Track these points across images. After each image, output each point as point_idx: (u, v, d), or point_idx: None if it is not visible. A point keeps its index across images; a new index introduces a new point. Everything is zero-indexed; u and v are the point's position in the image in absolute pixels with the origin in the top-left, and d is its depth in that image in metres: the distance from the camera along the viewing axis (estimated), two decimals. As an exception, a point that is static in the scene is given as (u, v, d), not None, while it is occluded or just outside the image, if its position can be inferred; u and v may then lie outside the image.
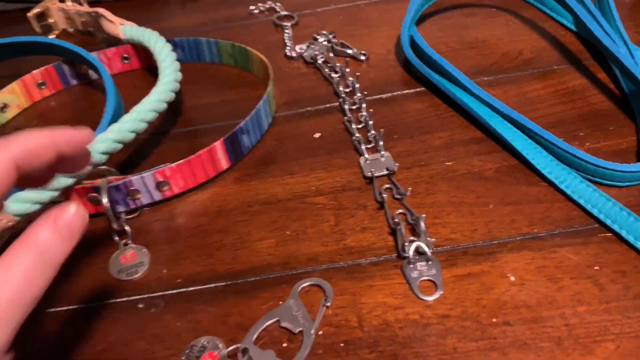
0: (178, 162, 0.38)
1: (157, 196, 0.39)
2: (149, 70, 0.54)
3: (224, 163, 0.41)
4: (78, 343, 0.32)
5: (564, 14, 0.52)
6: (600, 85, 0.44)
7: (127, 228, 0.37)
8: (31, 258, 0.21)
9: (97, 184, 0.37)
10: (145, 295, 0.34)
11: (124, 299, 0.34)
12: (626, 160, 0.37)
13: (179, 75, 0.45)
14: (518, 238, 0.34)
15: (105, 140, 0.37)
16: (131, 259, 0.36)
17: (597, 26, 0.44)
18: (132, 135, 0.39)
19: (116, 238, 0.37)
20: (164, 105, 0.42)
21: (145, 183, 0.37)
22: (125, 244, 0.37)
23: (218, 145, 0.39)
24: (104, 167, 0.38)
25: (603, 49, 0.43)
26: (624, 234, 0.32)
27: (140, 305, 0.33)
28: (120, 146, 0.38)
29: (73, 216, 0.23)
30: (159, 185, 0.38)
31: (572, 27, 0.51)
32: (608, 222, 0.33)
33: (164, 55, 0.45)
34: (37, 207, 0.35)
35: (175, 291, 0.34)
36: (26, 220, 0.39)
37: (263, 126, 0.43)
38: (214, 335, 0.31)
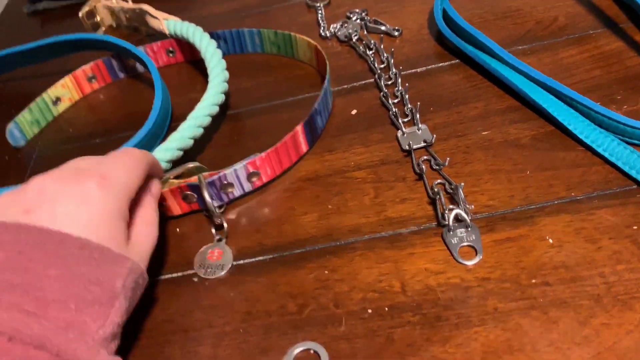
0: (267, 150, 0.38)
1: (248, 187, 0.39)
2: (193, 63, 0.55)
3: (304, 146, 0.41)
4: (139, 316, 0.34)
5: (599, -23, 0.51)
6: (638, 47, 0.44)
7: (224, 224, 0.38)
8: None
9: (193, 182, 0.38)
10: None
11: (179, 273, 0.36)
12: (665, 121, 0.37)
13: (227, 75, 0.45)
14: (556, 202, 0.34)
15: (168, 150, 0.39)
16: (216, 258, 0.37)
17: (633, -13, 0.43)
18: (191, 142, 0.41)
19: (213, 231, 0.38)
20: (217, 109, 0.43)
21: (237, 176, 0.38)
22: (220, 240, 0.38)
23: (299, 129, 0.40)
24: (192, 164, 0.39)
25: (640, 10, 0.43)
26: (663, 193, 0.33)
27: (195, 279, 0.36)
28: (181, 153, 0.40)
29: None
30: (250, 177, 0.39)
31: (608, -10, 0.50)
32: (646, 183, 0.33)
33: (210, 54, 0.46)
34: None
35: (226, 265, 0.36)
36: None
37: (329, 105, 0.44)
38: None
